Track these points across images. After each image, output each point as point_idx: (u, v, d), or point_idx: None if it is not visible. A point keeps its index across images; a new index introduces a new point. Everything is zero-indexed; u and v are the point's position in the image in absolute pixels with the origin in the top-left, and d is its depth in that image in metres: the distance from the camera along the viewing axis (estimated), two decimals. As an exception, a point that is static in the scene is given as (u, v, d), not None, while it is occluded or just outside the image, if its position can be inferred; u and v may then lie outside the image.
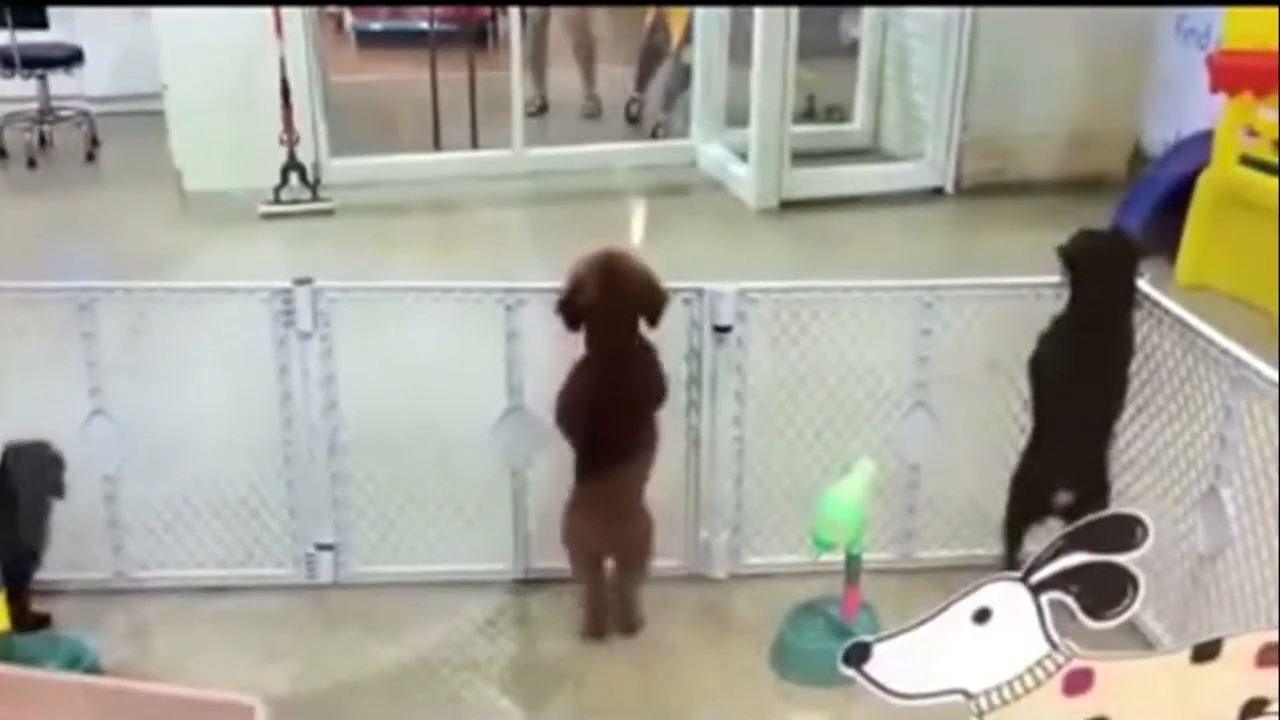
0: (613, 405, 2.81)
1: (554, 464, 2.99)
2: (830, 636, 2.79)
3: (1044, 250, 2.95)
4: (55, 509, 2.87)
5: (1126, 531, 1.70)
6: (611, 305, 2.76)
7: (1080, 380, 2.93)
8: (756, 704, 2.79)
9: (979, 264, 3.65)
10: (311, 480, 3.10)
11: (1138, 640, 2.81)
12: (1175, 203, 5.26)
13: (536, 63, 7.64)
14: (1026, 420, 3.06)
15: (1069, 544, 1.70)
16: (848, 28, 7.47)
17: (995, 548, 3.11)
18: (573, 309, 2.76)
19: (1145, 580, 2.82)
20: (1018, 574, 1.69)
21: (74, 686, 2.13)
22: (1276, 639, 1.71)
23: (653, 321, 2.81)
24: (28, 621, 2.77)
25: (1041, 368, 2.97)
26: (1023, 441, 3.08)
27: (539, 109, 7.53)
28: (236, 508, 3.17)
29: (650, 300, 2.80)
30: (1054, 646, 1.70)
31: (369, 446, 3.15)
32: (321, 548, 3.15)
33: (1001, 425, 3.13)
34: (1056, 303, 2.96)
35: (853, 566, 2.81)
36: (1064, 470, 2.98)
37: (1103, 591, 1.70)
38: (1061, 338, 2.93)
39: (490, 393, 3.02)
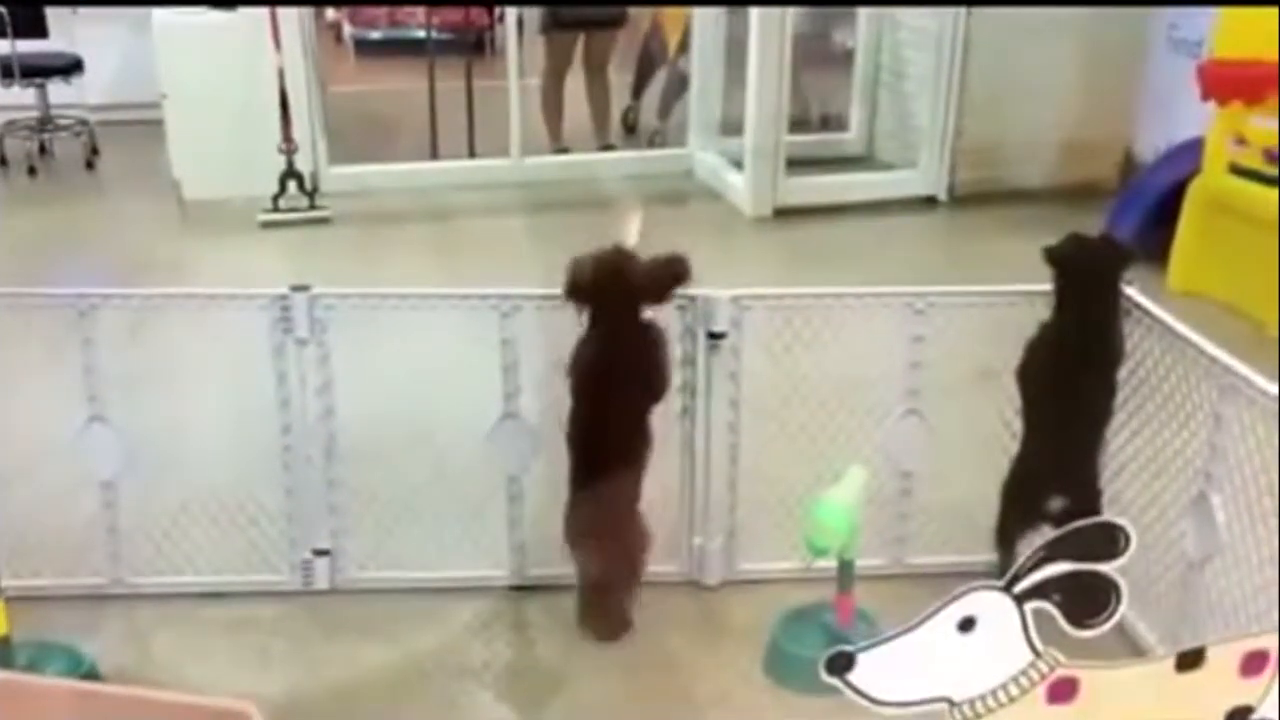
0: (615, 382, 2.85)
1: (549, 470, 3.01)
2: (826, 643, 2.78)
3: (1037, 258, 2.96)
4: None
5: (1109, 539, 1.70)
6: (608, 289, 2.83)
7: (1068, 385, 2.94)
8: (751, 710, 2.80)
9: (972, 272, 3.67)
10: (308, 486, 3.12)
11: (1128, 646, 2.82)
12: (1166, 210, 5.30)
13: (553, 115, 7.30)
14: (1019, 426, 3.07)
15: (1052, 552, 1.69)
16: (843, 37, 7.49)
17: (988, 553, 3.12)
18: (573, 293, 2.83)
19: (1137, 587, 2.83)
20: (1001, 582, 1.70)
21: (70, 692, 2.14)
22: (1260, 647, 1.71)
23: (658, 299, 2.89)
24: None
25: (1029, 373, 2.99)
26: (1015, 448, 3.09)
27: (560, 152, 7.25)
28: (234, 514, 3.18)
29: (652, 282, 2.87)
30: (1037, 655, 1.70)
31: (366, 453, 3.17)
32: (318, 553, 3.16)
33: (994, 431, 3.14)
34: (1049, 310, 2.97)
35: (846, 572, 2.82)
36: (1055, 476, 3.00)
37: (1086, 600, 1.70)
38: (1048, 343, 2.94)
39: (486, 399, 3.04)
